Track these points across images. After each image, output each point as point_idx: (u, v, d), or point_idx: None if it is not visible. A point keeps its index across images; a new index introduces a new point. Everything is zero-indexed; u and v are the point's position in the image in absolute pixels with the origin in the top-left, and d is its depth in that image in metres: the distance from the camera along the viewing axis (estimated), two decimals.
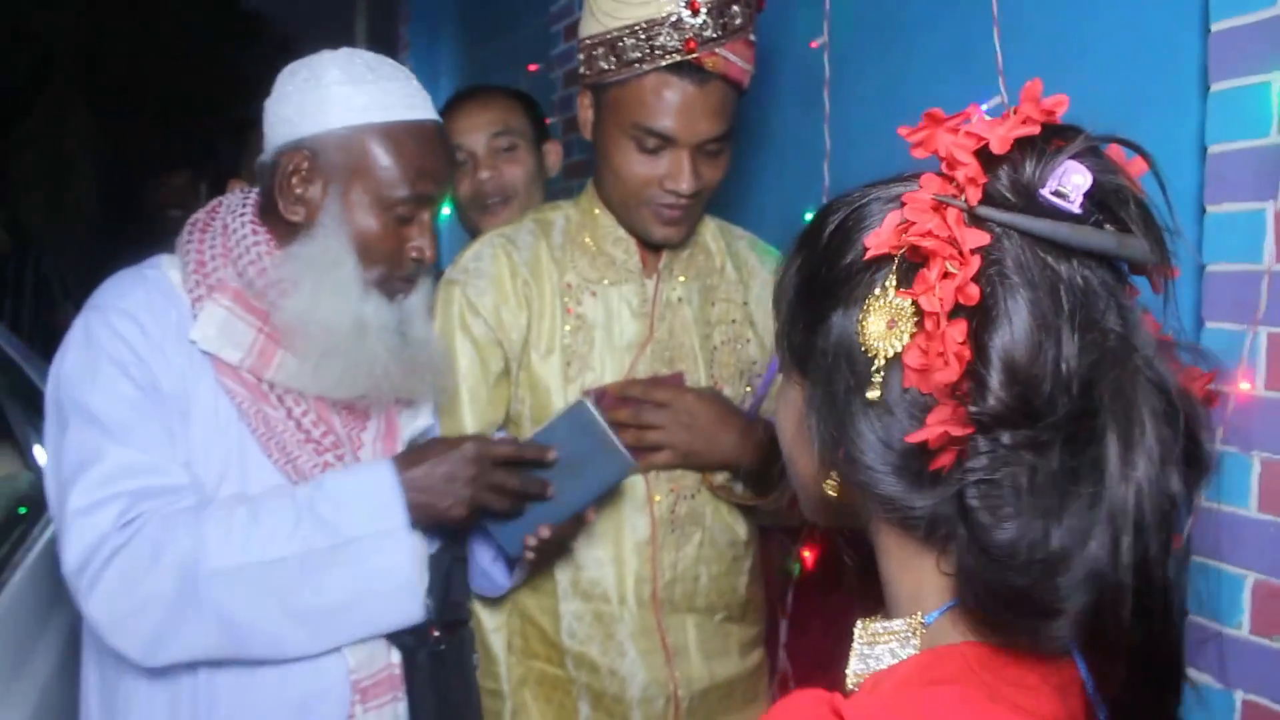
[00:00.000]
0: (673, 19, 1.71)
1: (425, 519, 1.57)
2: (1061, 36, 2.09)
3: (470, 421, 1.85)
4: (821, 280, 0.85)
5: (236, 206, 1.66)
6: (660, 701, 1.87)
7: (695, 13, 1.71)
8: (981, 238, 0.76)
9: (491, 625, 1.90)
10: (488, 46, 5.05)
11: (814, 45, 2.32)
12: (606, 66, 1.77)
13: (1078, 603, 0.74)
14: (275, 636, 1.49)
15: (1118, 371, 0.75)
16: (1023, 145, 0.78)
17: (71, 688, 1.71)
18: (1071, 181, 0.76)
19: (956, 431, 0.75)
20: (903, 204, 0.80)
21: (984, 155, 0.78)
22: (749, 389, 1.98)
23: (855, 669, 0.86)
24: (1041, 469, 0.74)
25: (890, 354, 0.78)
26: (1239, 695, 1.57)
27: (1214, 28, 1.65)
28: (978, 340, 0.74)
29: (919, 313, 0.77)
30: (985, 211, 0.77)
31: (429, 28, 5.99)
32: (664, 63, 1.72)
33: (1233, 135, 1.63)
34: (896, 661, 0.84)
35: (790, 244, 0.93)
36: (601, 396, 1.84)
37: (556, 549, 1.82)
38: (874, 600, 0.90)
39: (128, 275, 1.63)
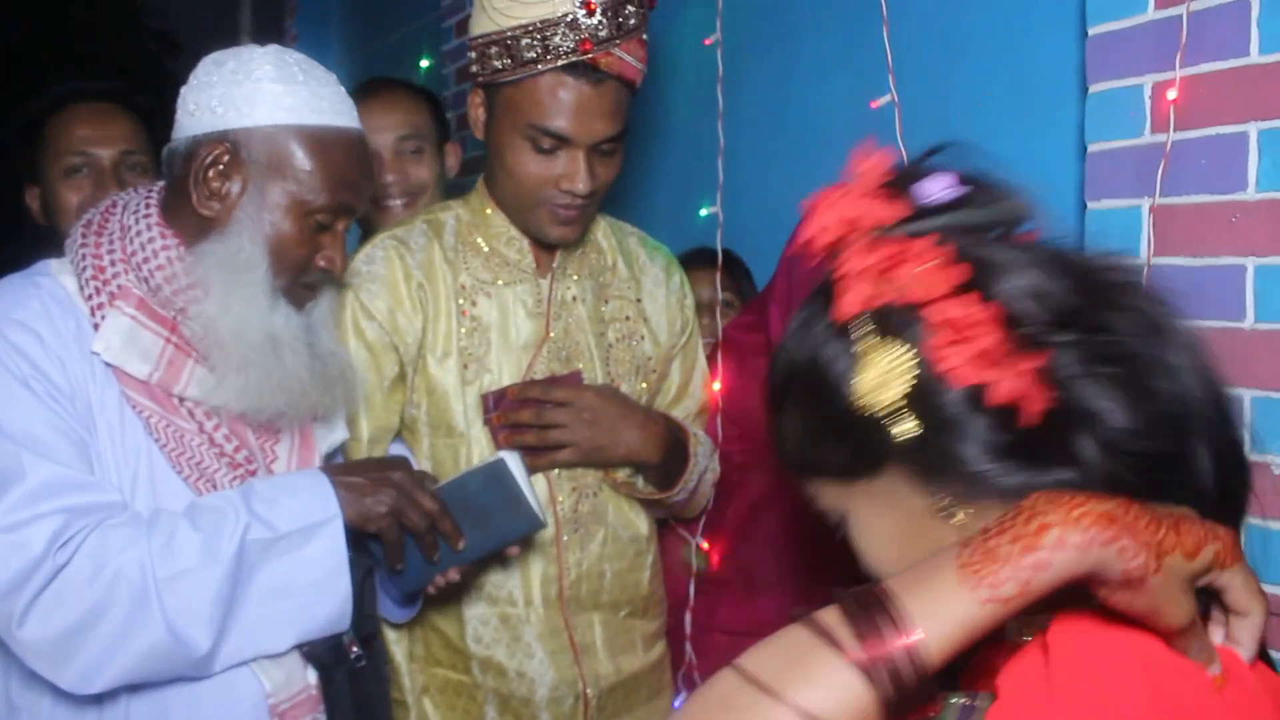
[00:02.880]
0: (568, 19, 1.70)
1: (353, 512, 1.53)
2: (946, 39, 2.14)
3: (365, 427, 1.82)
4: (825, 376, 0.91)
5: (136, 205, 1.57)
6: (570, 700, 1.87)
7: (591, 13, 1.70)
8: (927, 240, 0.88)
9: (393, 635, 1.88)
10: (377, 41, 4.98)
11: (707, 42, 2.34)
12: (500, 65, 1.75)
13: (1205, 454, 0.86)
14: (215, 643, 1.43)
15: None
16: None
17: None
18: (935, 187, 0.91)
19: (1037, 362, 0.84)
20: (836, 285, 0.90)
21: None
22: (644, 385, 1.99)
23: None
24: (1109, 359, 0.85)
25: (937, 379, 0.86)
26: None
27: (1091, 31, 1.71)
28: (991, 293, 0.86)
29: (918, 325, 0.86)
30: (925, 219, 0.89)
31: (316, 20, 5.87)
32: (560, 63, 1.71)
33: (1110, 135, 1.69)
34: None
35: (772, 407, 0.98)
36: (501, 398, 1.83)
37: (457, 588, 1.80)
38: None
39: (17, 282, 1.53)
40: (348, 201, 1.57)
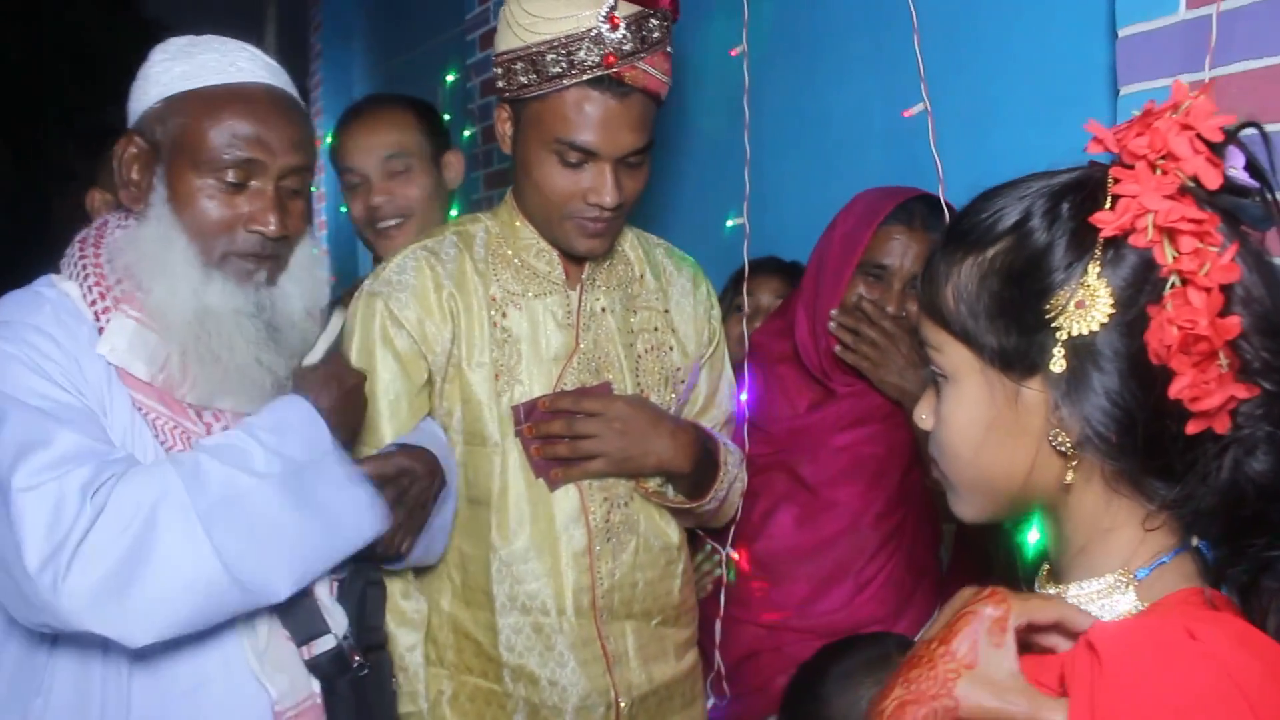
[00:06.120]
0: (593, 34, 1.71)
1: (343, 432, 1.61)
2: (977, 43, 2.13)
3: (389, 434, 1.83)
4: (1040, 268, 0.88)
5: (125, 218, 1.60)
6: (601, 709, 1.87)
7: (615, 27, 1.71)
8: (1215, 219, 0.83)
9: (407, 643, 1.86)
10: (401, 55, 5.01)
11: (733, 53, 2.34)
12: (526, 81, 1.76)
13: None
14: (266, 569, 1.42)
15: None
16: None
17: None
18: (1238, 161, 0.86)
19: (1242, 394, 0.82)
20: (1113, 195, 0.86)
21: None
22: (673, 395, 2.00)
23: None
24: None
25: (1128, 333, 0.84)
26: None
27: (1121, 33, 1.70)
28: (1241, 308, 0.83)
29: (1142, 288, 0.84)
30: (1225, 199, 0.84)
31: (341, 36, 5.91)
32: (585, 77, 1.72)
33: None
34: (1118, 614, 0.89)
35: (961, 242, 0.94)
36: (532, 409, 1.84)
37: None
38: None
39: (26, 295, 1.55)
40: (252, 155, 1.54)
